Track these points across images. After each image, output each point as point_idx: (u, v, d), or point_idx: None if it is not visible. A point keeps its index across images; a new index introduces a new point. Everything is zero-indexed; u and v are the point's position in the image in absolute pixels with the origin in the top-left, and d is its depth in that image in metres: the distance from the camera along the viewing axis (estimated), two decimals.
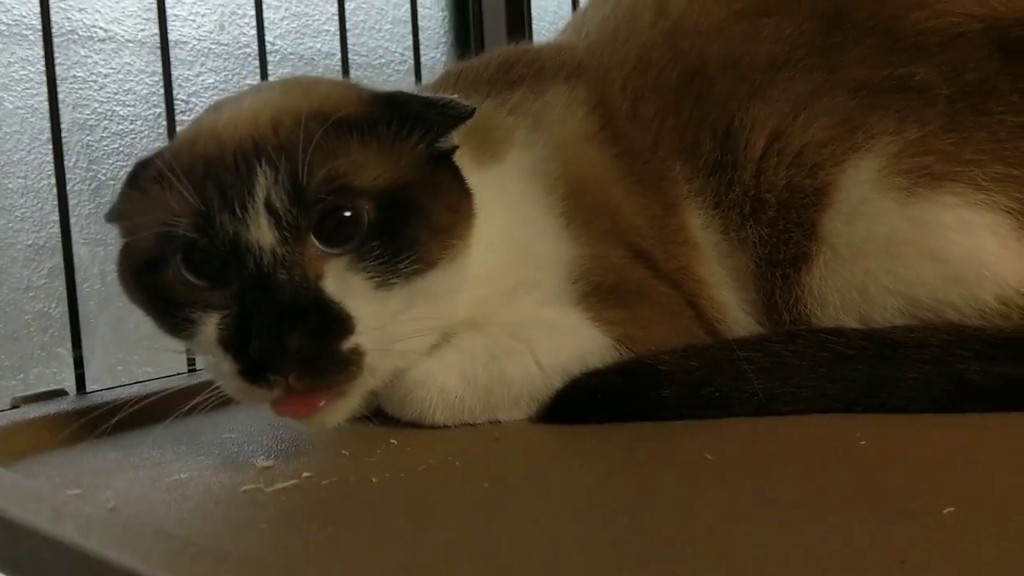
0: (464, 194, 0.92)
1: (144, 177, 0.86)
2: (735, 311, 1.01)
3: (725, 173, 0.99)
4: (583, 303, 0.96)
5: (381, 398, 0.94)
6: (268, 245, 0.79)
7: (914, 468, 0.74)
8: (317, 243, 0.81)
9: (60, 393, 1.09)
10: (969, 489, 0.68)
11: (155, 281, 0.84)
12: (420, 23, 1.70)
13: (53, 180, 1.15)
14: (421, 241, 0.85)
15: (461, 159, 0.94)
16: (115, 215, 0.91)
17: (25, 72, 1.45)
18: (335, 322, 0.80)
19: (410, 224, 0.84)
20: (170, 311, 0.84)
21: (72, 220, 1.22)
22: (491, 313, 0.96)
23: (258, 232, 0.79)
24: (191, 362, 1.19)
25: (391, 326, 0.83)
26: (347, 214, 0.82)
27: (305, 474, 0.80)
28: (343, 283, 0.81)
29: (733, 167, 0.98)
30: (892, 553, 0.57)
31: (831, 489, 0.70)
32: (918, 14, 0.94)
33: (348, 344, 0.80)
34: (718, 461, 0.77)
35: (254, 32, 1.39)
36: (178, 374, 1.21)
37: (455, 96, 0.90)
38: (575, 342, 0.94)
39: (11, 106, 1.44)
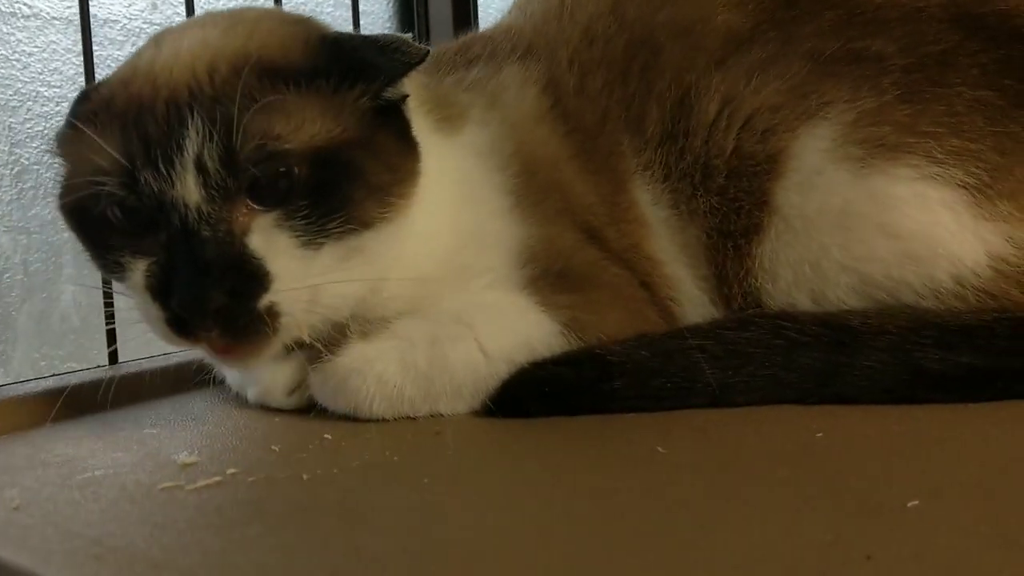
0: (408, 151, 0.89)
1: (82, 112, 0.86)
2: (688, 287, 0.98)
3: (676, 142, 0.96)
4: (530, 287, 0.93)
5: (313, 389, 0.90)
6: (194, 203, 0.79)
7: (874, 461, 0.71)
8: (249, 200, 0.81)
9: None
10: (932, 481, 0.65)
11: (88, 221, 0.85)
12: (362, 20, 1.65)
13: None
14: (356, 201, 0.84)
15: (419, 119, 0.92)
16: (55, 149, 0.91)
17: None
18: (252, 280, 0.80)
19: (344, 185, 0.83)
20: (102, 254, 0.85)
21: None
22: (435, 296, 0.92)
23: (184, 190, 0.79)
24: (113, 356, 1.12)
25: (315, 290, 0.83)
26: (281, 171, 0.81)
27: (231, 471, 0.74)
28: (268, 240, 0.81)
29: (684, 135, 0.95)
30: (858, 548, 0.54)
31: (790, 483, 0.66)
32: None
33: (263, 302, 0.80)
34: (671, 455, 0.74)
35: (186, 13, 1.32)
36: (98, 367, 1.14)
37: (408, 37, 0.87)
38: (521, 328, 0.90)
39: None
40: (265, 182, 0.80)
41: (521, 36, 1.07)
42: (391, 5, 1.94)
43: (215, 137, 0.78)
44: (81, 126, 0.84)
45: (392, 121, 0.88)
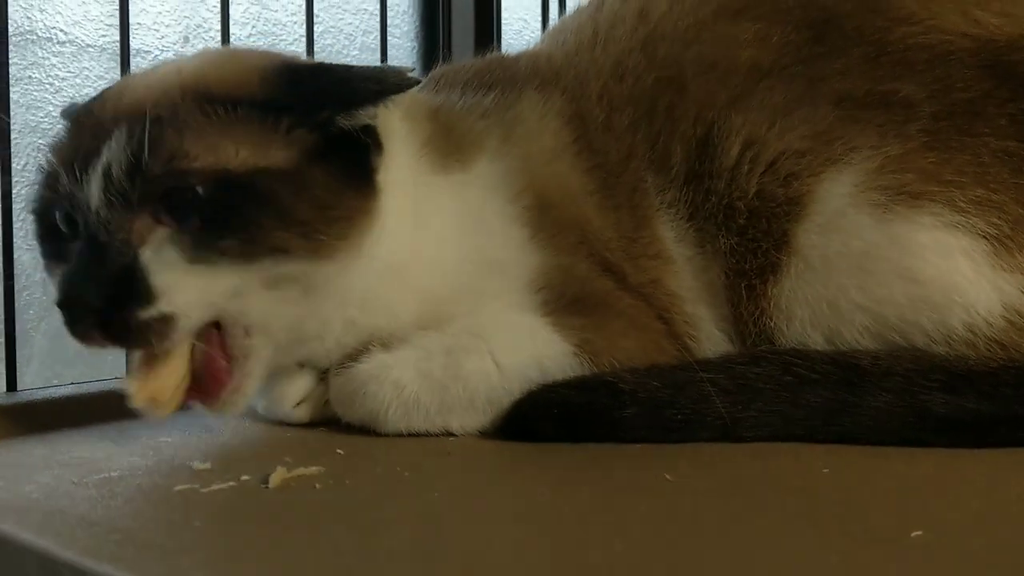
0: (355, 190, 0.90)
1: (69, 121, 0.94)
2: (709, 326, 0.98)
3: (701, 183, 0.96)
4: (544, 308, 0.94)
5: (332, 397, 0.91)
6: (95, 207, 0.83)
7: (879, 495, 0.72)
8: (150, 213, 0.84)
9: None
10: (935, 515, 0.66)
11: (39, 228, 0.91)
12: (389, 52, 1.68)
13: None
14: (262, 227, 0.84)
15: (421, 161, 0.93)
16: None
17: None
18: (134, 291, 0.81)
19: (246, 209, 0.84)
20: (43, 257, 0.91)
21: (16, 225, 1.17)
22: (451, 314, 0.93)
23: (88, 194, 0.83)
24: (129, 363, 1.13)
25: (231, 303, 0.85)
26: (183, 187, 0.83)
27: (244, 477, 0.75)
28: (159, 254, 0.83)
29: (709, 176, 0.96)
30: (864, 573, 0.55)
31: (796, 513, 0.67)
32: (907, 29, 0.93)
33: (149, 313, 0.81)
34: (679, 483, 0.74)
35: (218, 46, 1.35)
36: (115, 377, 1.15)
37: (401, 69, 0.89)
38: (534, 345, 0.91)
39: None
40: (168, 198, 0.83)
41: (550, 64, 1.07)
42: (415, 51, 1.99)
43: (128, 149, 0.83)
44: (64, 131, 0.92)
45: (343, 157, 0.89)
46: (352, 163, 0.90)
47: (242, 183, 0.84)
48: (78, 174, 0.84)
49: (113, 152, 0.83)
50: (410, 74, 0.88)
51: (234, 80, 0.88)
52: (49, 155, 0.89)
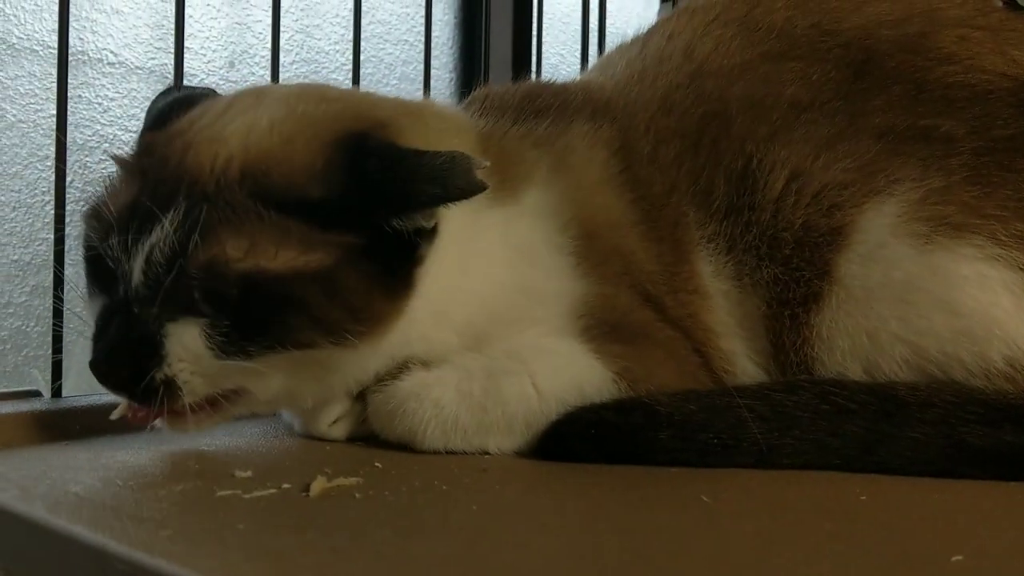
0: (383, 295, 0.88)
1: (130, 153, 0.95)
2: (743, 361, 0.98)
3: (741, 215, 0.97)
4: (585, 335, 0.94)
5: (371, 414, 0.92)
6: (135, 281, 0.84)
7: (918, 520, 0.72)
8: (181, 300, 0.83)
9: (35, 394, 1.06)
10: (975, 540, 0.66)
11: (90, 268, 0.91)
12: (432, 84, 1.71)
13: (47, 197, 1.14)
14: (289, 327, 0.83)
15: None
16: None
17: (31, 87, 1.45)
18: (154, 355, 0.83)
19: (274, 311, 0.83)
20: (89, 271, 0.90)
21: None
22: (491, 341, 0.94)
23: (132, 267, 0.84)
24: None
25: (249, 379, 0.86)
26: (218, 287, 0.83)
27: (285, 485, 0.76)
28: (184, 336, 0.83)
29: (751, 208, 0.97)
30: None
31: (834, 536, 0.67)
32: (947, 68, 0.95)
33: (163, 374, 0.83)
34: (715, 504, 0.75)
35: (263, 72, 1.38)
36: None
37: (471, 160, 0.84)
38: (574, 371, 0.92)
39: (12, 119, 1.43)
40: (199, 292, 0.83)
41: (601, 93, 1.08)
42: (452, 77, 2.02)
43: (175, 236, 0.82)
44: (125, 161, 0.92)
45: (384, 254, 0.86)
46: (392, 259, 0.88)
47: (277, 288, 0.83)
48: (129, 242, 0.84)
49: (161, 236, 0.82)
50: (479, 174, 0.84)
51: (298, 167, 0.85)
52: (108, 202, 0.88)
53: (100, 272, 0.88)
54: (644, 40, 1.12)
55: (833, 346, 0.92)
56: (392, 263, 0.87)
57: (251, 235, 0.83)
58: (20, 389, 1.05)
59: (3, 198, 1.42)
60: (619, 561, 0.61)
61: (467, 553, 0.62)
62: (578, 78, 1.21)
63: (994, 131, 0.91)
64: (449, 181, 0.83)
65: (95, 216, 0.89)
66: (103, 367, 0.84)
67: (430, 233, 0.88)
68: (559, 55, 2.08)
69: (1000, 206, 0.89)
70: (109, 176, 0.94)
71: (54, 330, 1.10)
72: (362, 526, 0.67)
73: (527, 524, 0.71)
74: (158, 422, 0.88)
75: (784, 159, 0.96)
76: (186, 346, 0.83)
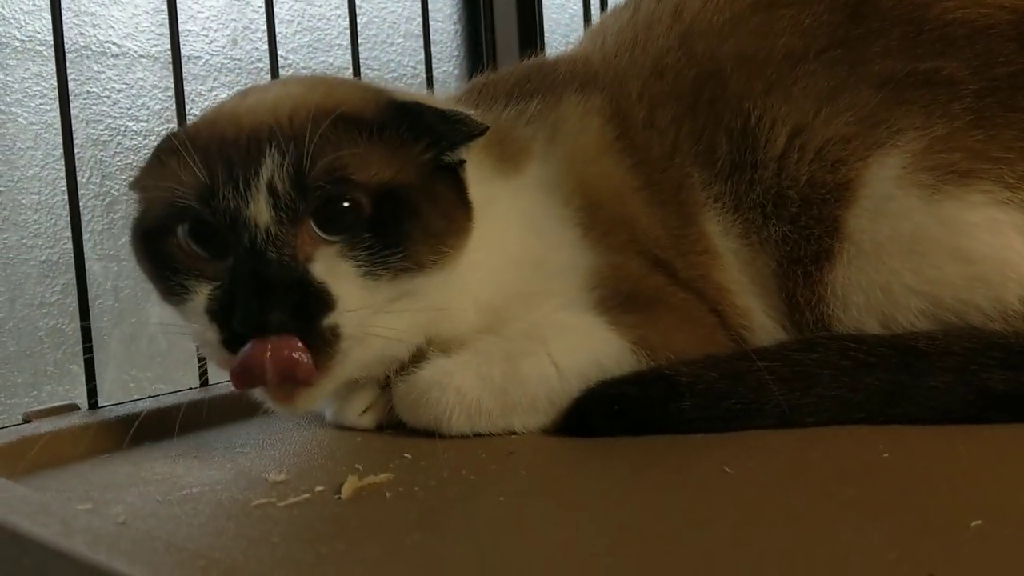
0: (463, 207, 0.93)
1: (165, 149, 0.91)
2: (760, 317, 0.99)
3: (744, 173, 0.97)
4: (600, 307, 0.95)
5: (396, 404, 0.94)
6: (264, 223, 0.83)
7: (939, 481, 0.72)
8: (314, 228, 0.85)
9: (72, 408, 1.08)
10: (996, 502, 0.66)
11: (159, 247, 0.89)
12: (432, 36, 1.70)
13: (67, 196, 1.15)
14: (412, 240, 0.87)
15: (481, 169, 0.95)
16: (136, 184, 0.96)
17: (39, 88, 1.45)
18: (316, 300, 0.83)
19: (403, 222, 0.87)
20: (167, 276, 0.88)
21: (85, 236, 1.21)
22: (507, 319, 0.95)
23: (256, 209, 0.83)
24: (203, 374, 1.18)
25: (373, 317, 0.86)
26: (345, 204, 0.85)
27: (318, 488, 0.79)
28: (331, 268, 0.85)
29: (753, 167, 0.97)
30: (920, 566, 0.55)
31: (855, 503, 0.68)
32: (946, 4, 0.93)
33: (328, 321, 0.83)
34: (738, 475, 0.76)
35: (266, 47, 1.38)
36: (190, 388, 1.19)
37: (471, 113, 0.91)
38: (591, 344, 0.93)
39: (25, 122, 1.44)
40: (331, 209, 0.85)
41: (588, 66, 1.09)
42: (458, 34, 1.99)
43: (287, 162, 0.83)
44: (165, 159, 0.89)
45: (450, 178, 0.93)
46: (452, 185, 0.93)
47: (396, 197, 0.87)
48: (240, 187, 0.83)
49: (273, 167, 0.83)
50: (480, 122, 0.92)
51: (358, 104, 0.90)
52: (164, 175, 0.88)
53: (204, 239, 0.86)
54: (635, 5, 1.11)
55: (848, 302, 0.92)
56: (456, 185, 0.94)
57: (354, 151, 0.86)
58: (57, 405, 1.07)
59: (24, 201, 1.44)
60: (643, 549, 0.62)
61: (494, 553, 0.63)
62: (569, 49, 1.20)
63: (996, 69, 0.90)
64: (468, 121, 0.91)
65: (170, 196, 0.86)
66: (257, 322, 0.80)
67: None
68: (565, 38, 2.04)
69: (1006, 148, 0.87)
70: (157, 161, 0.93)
71: (83, 339, 1.12)
72: (393, 531, 0.68)
73: (553, 514, 0.72)
74: (270, 403, 0.88)
75: (784, 115, 0.95)
76: (334, 270, 0.84)
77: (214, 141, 0.87)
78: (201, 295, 0.86)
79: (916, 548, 0.58)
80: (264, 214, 0.83)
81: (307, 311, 0.82)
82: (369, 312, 0.85)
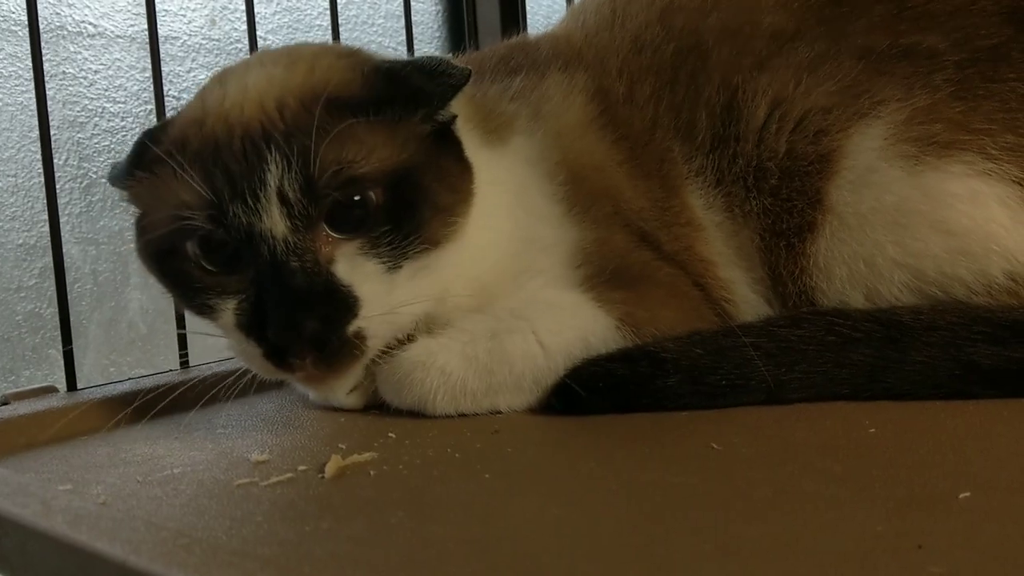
0: (465, 171, 0.93)
1: (152, 156, 0.87)
2: (743, 289, 0.99)
3: (727, 147, 0.97)
4: (585, 284, 0.95)
5: (379, 386, 0.93)
6: (281, 234, 0.82)
7: (926, 454, 0.72)
8: (328, 230, 0.84)
9: (50, 390, 1.07)
10: (983, 474, 0.66)
11: (171, 266, 0.88)
12: (413, 17, 1.68)
13: (43, 178, 1.13)
14: (426, 221, 0.87)
15: (468, 135, 0.94)
16: (129, 195, 0.94)
17: (14, 68, 1.43)
18: (343, 306, 0.84)
19: (416, 207, 0.87)
20: (190, 296, 0.88)
21: (63, 219, 1.20)
22: (495, 296, 0.95)
23: (271, 222, 0.82)
24: (183, 356, 1.17)
25: (392, 302, 0.86)
26: (356, 198, 0.84)
27: (301, 468, 0.78)
28: (354, 267, 0.85)
29: (736, 140, 0.96)
30: (908, 539, 0.55)
31: (843, 477, 0.68)
32: None
33: (352, 327, 0.84)
34: (725, 452, 0.76)
35: (245, 27, 1.36)
36: (171, 371, 1.18)
37: (448, 57, 0.90)
38: (577, 322, 0.92)
39: (0, 103, 1.42)
40: (343, 209, 0.84)
41: (570, 45, 1.08)
42: (440, 15, 1.98)
43: (293, 168, 0.82)
44: (156, 168, 0.87)
45: (448, 143, 0.92)
46: (451, 150, 0.92)
47: (406, 180, 0.86)
48: (250, 202, 0.82)
49: (279, 173, 0.82)
50: (461, 66, 0.89)
51: (346, 84, 0.88)
52: (161, 189, 0.86)
53: (217, 254, 0.85)
54: None
55: (831, 275, 0.92)
56: (454, 148, 0.93)
57: (357, 140, 0.84)
58: (36, 387, 1.06)
59: (1, 184, 1.42)
60: (630, 526, 0.62)
61: (480, 533, 0.63)
62: (552, 28, 1.19)
63: (977, 42, 0.90)
64: (451, 71, 0.88)
65: (174, 217, 0.85)
66: (296, 341, 0.81)
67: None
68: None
69: (987, 119, 0.87)
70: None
71: (61, 322, 1.11)
72: (378, 509, 0.68)
73: (538, 491, 0.72)
74: (301, 387, 0.92)
75: (765, 87, 0.95)
76: (357, 269, 0.84)
77: (206, 148, 0.85)
78: (228, 311, 0.86)
79: (904, 521, 0.58)
80: (280, 225, 0.82)
81: (336, 318, 0.83)
82: (391, 310, 0.86)
